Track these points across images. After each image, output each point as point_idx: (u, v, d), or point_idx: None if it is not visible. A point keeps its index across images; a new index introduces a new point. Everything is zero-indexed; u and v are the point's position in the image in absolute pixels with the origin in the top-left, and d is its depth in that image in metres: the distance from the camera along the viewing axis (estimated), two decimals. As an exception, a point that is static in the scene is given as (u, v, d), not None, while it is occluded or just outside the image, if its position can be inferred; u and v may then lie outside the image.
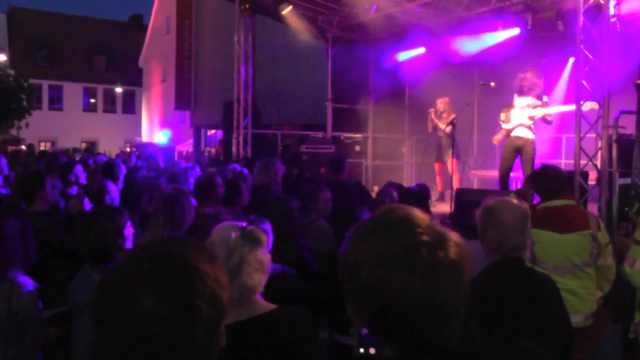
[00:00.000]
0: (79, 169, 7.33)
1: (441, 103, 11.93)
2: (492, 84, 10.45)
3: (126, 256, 1.35)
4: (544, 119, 9.43)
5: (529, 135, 9.47)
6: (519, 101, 9.58)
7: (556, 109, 9.49)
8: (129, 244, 3.63)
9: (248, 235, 2.45)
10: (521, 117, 9.46)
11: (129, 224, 3.68)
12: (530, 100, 9.47)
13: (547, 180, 4.66)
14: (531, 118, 9.42)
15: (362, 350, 1.42)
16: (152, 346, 1.23)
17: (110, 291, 1.28)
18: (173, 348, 1.24)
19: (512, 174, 10.00)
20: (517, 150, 9.57)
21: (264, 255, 2.47)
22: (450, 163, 10.89)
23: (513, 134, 9.60)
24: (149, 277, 1.25)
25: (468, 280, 1.35)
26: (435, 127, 11.94)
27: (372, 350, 1.40)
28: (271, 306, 2.44)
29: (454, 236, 1.37)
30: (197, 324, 1.26)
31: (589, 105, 8.68)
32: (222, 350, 1.36)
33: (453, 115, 10.79)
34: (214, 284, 1.30)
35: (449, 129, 10.68)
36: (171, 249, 1.34)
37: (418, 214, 1.40)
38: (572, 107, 9.11)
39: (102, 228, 3.51)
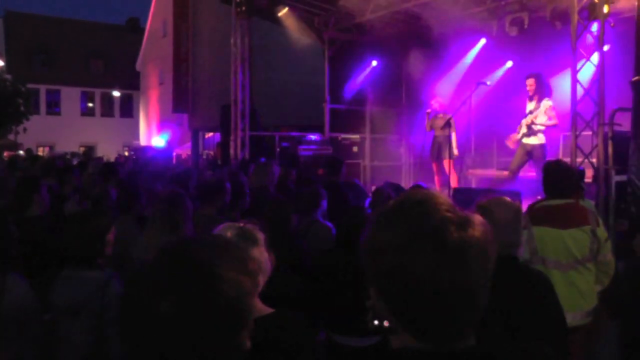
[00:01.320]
0: (75, 173, 7.33)
1: (436, 103, 11.96)
2: (489, 82, 10.49)
3: (152, 259, 1.36)
4: (545, 124, 9.69)
5: (534, 141, 9.78)
6: (528, 107, 9.91)
7: (539, 120, 9.79)
8: (109, 248, 3.61)
9: (243, 233, 2.44)
10: (523, 127, 9.85)
11: (113, 228, 3.67)
12: (532, 106, 9.78)
13: (558, 178, 4.64)
14: (529, 125, 9.70)
15: (376, 322, 1.39)
16: (170, 349, 1.25)
17: (134, 292, 1.31)
18: (189, 352, 1.25)
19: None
20: (528, 154, 9.91)
21: (261, 254, 2.44)
22: (448, 163, 10.91)
23: (523, 140, 10.03)
24: (170, 281, 1.27)
25: (493, 262, 1.32)
26: (432, 127, 11.97)
27: (385, 323, 1.37)
28: (268, 309, 2.43)
29: (476, 216, 1.34)
30: (213, 330, 1.27)
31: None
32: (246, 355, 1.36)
33: (449, 115, 10.81)
34: (235, 291, 1.30)
35: (446, 128, 10.69)
36: (196, 253, 1.34)
37: (441, 194, 1.38)
38: (551, 122, 9.47)
39: (85, 229, 3.51)
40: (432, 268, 1.24)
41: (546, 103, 9.71)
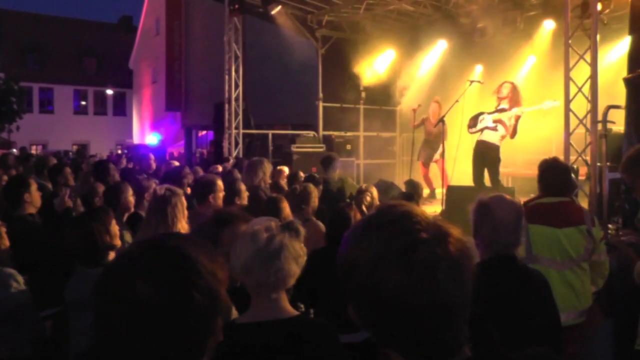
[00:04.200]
0: (67, 171, 7.28)
1: (434, 104, 11.90)
2: (481, 81, 10.48)
3: (128, 248, 1.41)
4: (512, 128, 9.39)
5: (491, 139, 9.47)
6: (497, 104, 9.63)
7: (510, 113, 9.45)
8: (117, 241, 3.69)
9: (289, 225, 2.53)
10: (487, 120, 9.53)
11: (114, 222, 3.73)
12: (504, 104, 9.50)
13: (555, 176, 4.62)
14: (495, 121, 9.44)
15: None
16: (147, 333, 1.25)
17: (109, 278, 1.32)
18: (166, 336, 1.26)
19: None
20: (482, 156, 9.56)
21: (301, 248, 2.51)
22: (441, 161, 10.90)
23: (479, 138, 9.66)
24: (146, 265, 1.30)
25: (470, 277, 1.29)
26: (425, 129, 12.02)
27: None
28: (295, 312, 2.47)
29: (454, 231, 1.31)
30: (190, 313, 1.28)
31: (550, 104, 8.91)
32: (239, 346, 1.38)
33: (442, 115, 10.77)
34: (210, 276, 1.33)
35: (439, 126, 10.68)
36: (169, 241, 1.39)
37: (417, 210, 1.34)
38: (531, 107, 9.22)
39: (91, 229, 3.55)
40: (401, 289, 1.22)
41: (519, 110, 9.40)
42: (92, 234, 3.54)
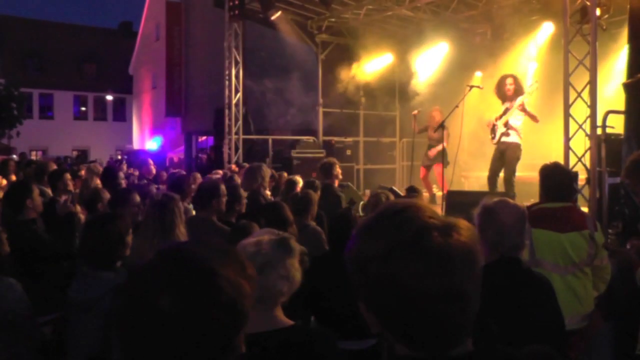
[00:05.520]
0: (67, 176, 7.28)
1: (435, 112, 11.92)
2: (481, 86, 10.50)
3: (152, 257, 1.35)
4: (529, 115, 9.57)
5: (511, 139, 9.65)
6: (501, 109, 9.81)
7: (514, 118, 9.69)
8: (127, 250, 3.69)
9: (282, 241, 2.47)
10: (500, 126, 9.69)
11: (130, 231, 3.73)
12: (507, 105, 9.68)
13: (557, 181, 4.61)
14: (505, 124, 9.60)
15: None
16: (167, 346, 1.24)
17: (131, 290, 1.30)
18: (186, 350, 1.24)
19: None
20: (502, 154, 9.74)
21: (293, 265, 2.46)
22: (440, 166, 10.92)
23: (500, 140, 9.85)
24: (169, 278, 1.27)
25: (480, 266, 1.30)
26: (428, 135, 12.04)
27: None
28: (290, 322, 2.44)
29: (461, 221, 1.32)
30: (211, 328, 1.26)
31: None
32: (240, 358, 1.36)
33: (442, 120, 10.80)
34: (233, 290, 1.29)
35: (439, 131, 10.70)
36: (195, 252, 1.35)
37: (422, 202, 1.36)
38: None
39: (110, 231, 3.56)
40: (417, 276, 1.22)
41: (521, 99, 9.59)
42: (111, 236, 3.55)
